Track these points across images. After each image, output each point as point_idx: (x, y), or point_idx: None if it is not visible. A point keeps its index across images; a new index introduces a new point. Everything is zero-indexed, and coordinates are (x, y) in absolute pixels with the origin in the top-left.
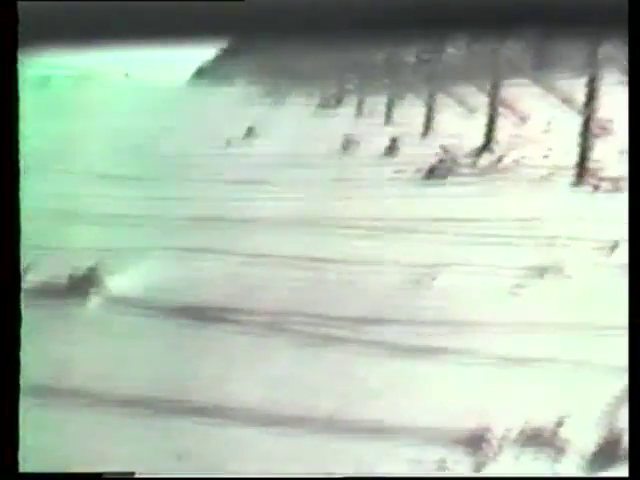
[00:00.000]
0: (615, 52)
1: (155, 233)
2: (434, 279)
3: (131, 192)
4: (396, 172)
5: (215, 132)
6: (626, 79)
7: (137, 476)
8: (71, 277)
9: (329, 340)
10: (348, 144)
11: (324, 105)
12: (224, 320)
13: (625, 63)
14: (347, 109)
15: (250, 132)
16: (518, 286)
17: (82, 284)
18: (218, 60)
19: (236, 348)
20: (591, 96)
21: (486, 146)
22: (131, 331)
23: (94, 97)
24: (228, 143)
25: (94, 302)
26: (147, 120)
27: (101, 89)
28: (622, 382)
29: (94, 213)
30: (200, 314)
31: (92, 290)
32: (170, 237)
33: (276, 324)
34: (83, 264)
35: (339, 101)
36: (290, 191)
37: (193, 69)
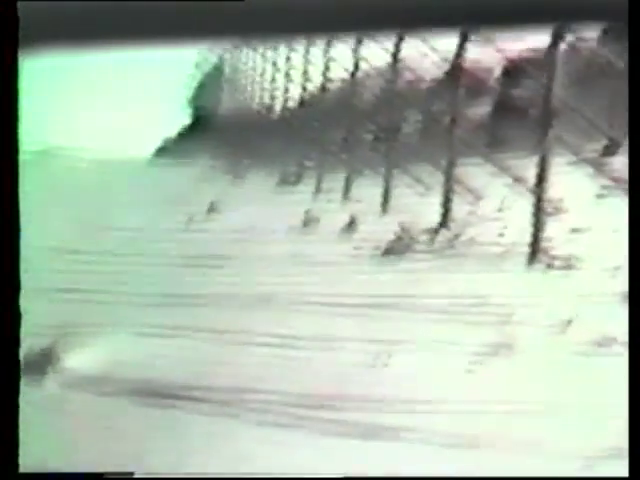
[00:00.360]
0: (565, 133)
1: (113, 310)
2: (390, 356)
3: (89, 267)
4: (354, 249)
5: (176, 208)
6: (575, 159)
7: (137, 476)
8: (27, 355)
9: (285, 418)
10: (308, 221)
11: (284, 182)
12: (182, 398)
13: (574, 145)
14: (306, 186)
15: (211, 209)
16: (472, 364)
17: (38, 362)
18: (180, 137)
19: (194, 426)
20: (542, 176)
21: (442, 224)
22: (88, 410)
23: (54, 171)
24: (189, 220)
25: (51, 381)
26: (107, 195)
27: (62, 163)
28: (575, 465)
29: (50, 288)
30: (158, 392)
31: (49, 369)
32: (128, 314)
33: (233, 402)
34: (39, 342)
35: (298, 178)
36: (249, 268)
37: (156, 145)
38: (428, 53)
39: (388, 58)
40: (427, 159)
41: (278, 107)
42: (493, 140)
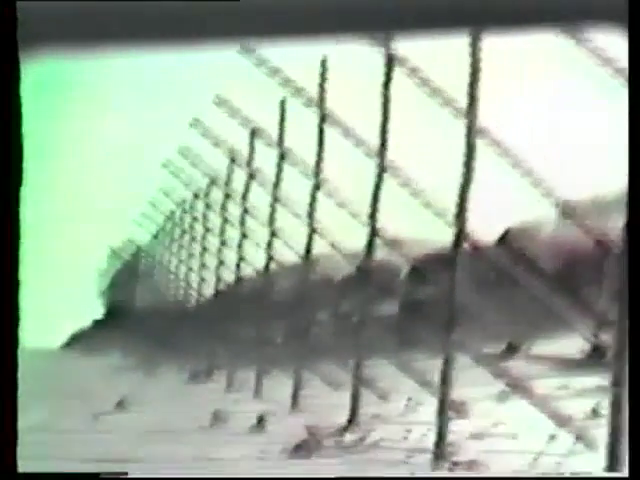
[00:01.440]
0: (467, 335)
1: None
2: None
3: None
4: (261, 450)
5: (83, 404)
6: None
7: (131, 476)
8: None
9: None
10: (216, 419)
11: (195, 378)
12: None
13: (476, 348)
14: (217, 383)
15: (119, 405)
16: None
17: None
18: (92, 329)
19: None
20: (445, 377)
21: (350, 424)
22: None
23: None
24: (95, 417)
25: None
26: None
27: None
28: None
29: None
30: None
31: None
32: None
33: None
34: None
35: (209, 374)
36: (152, 471)
37: (67, 336)
38: (339, 254)
39: (298, 257)
40: (336, 358)
41: (191, 302)
42: (400, 340)
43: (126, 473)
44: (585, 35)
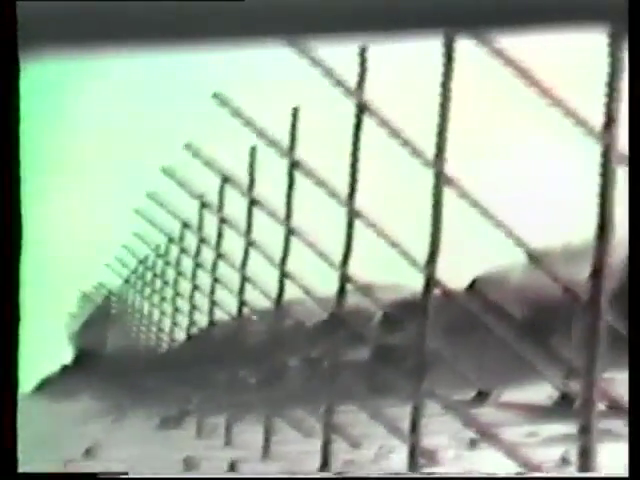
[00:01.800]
0: (437, 382)
1: None
2: None
3: None
4: None
5: (52, 451)
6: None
7: (130, 476)
8: None
9: None
10: (187, 467)
11: (165, 424)
12: None
13: (446, 395)
14: (188, 429)
15: (88, 452)
16: None
17: None
18: (62, 374)
19: None
20: (415, 425)
21: (322, 470)
22: None
23: None
24: (64, 465)
25: None
26: None
27: None
28: None
29: None
30: None
31: None
32: None
33: None
34: None
35: (180, 420)
36: None
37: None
38: (311, 299)
39: (270, 302)
40: (307, 405)
41: (163, 347)
42: (371, 386)
43: (126, 473)
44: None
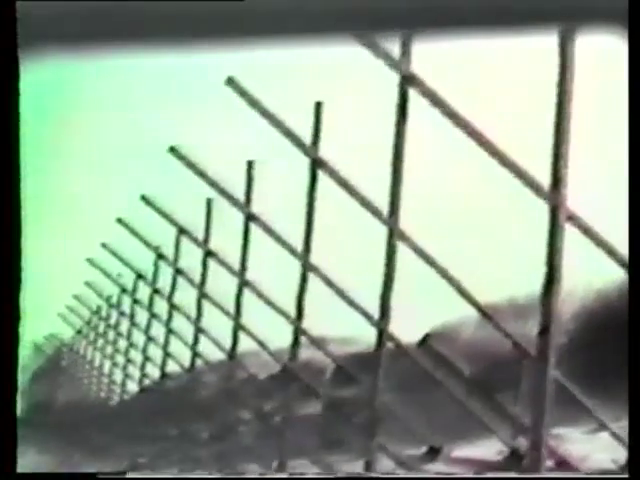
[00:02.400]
0: (388, 438)
1: None
2: None
3: None
4: None
5: None
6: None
7: (129, 476)
8: None
9: None
10: None
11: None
12: None
13: (396, 450)
14: None
15: None
16: None
17: None
18: None
19: None
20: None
21: None
22: None
23: None
24: None
25: None
26: None
27: None
28: None
29: None
30: None
31: None
32: None
33: None
34: None
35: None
36: None
37: None
38: (264, 352)
39: (224, 354)
40: (259, 459)
41: (114, 400)
42: (323, 441)
43: (125, 473)
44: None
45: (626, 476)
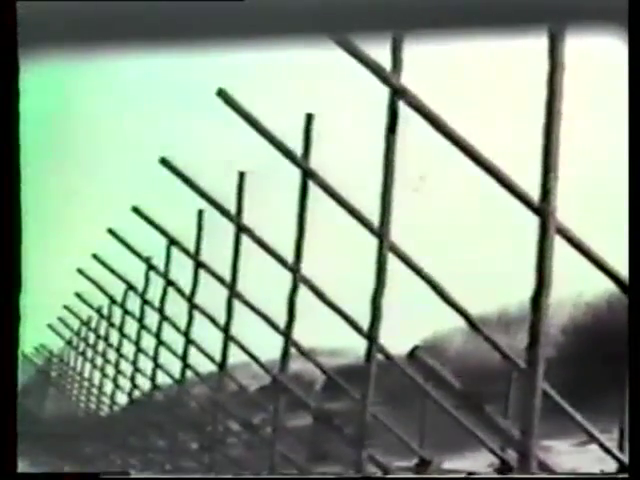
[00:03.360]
0: (378, 450)
1: None
2: None
3: None
4: None
5: None
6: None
7: (133, 476)
8: None
9: None
10: None
11: None
12: None
13: (386, 462)
14: None
15: None
16: None
17: None
18: None
19: None
20: None
21: None
22: None
23: None
24: None
25: None
26: None
27: None
28: None
29: None
30: None
31: None
32: None
33: None
34: None
35: None
36: None
37: None
38: (254, 363)
39: (214, 366)
40: (249, 471)
41: (104, 411)
42: (313, 453)
43: (128, 473)
44: None
45: (626, 476)
